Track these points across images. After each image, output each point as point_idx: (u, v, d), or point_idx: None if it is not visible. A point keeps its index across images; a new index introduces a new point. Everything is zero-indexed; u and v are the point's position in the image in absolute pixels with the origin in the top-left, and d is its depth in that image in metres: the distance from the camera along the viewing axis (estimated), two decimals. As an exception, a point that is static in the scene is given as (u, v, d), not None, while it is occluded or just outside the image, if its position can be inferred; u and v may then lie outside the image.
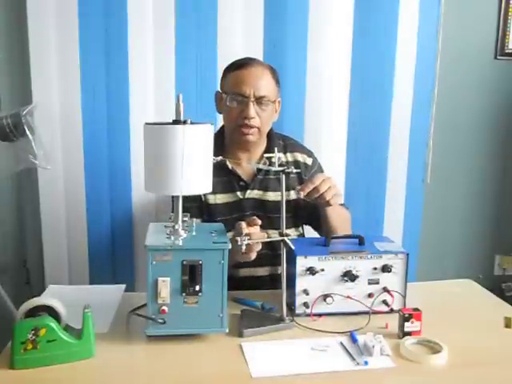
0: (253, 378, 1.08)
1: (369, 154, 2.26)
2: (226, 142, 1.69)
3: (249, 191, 1.64)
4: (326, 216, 1.59)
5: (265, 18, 2.09)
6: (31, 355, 1.09)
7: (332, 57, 2.15)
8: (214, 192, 1.55)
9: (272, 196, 1.64)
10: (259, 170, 1.61)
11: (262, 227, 1.62)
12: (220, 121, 1.99)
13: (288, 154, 1.72)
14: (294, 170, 1.36)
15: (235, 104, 1.58)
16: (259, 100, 1.57)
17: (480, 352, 1.20)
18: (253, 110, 1.56)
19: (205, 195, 1.60)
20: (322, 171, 1.76)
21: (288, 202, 1.54)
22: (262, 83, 1.58)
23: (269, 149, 1.66)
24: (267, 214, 1.62)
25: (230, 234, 1.38)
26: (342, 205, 1.76)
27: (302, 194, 1.44)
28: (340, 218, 1.59)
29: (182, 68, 2.07)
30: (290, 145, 1.75)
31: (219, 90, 1.68)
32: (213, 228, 1.30)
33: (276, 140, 1.72)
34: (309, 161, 1.74)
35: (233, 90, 1.59)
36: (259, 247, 1.35)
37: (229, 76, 1.62)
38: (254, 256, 1.35)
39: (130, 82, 2.05)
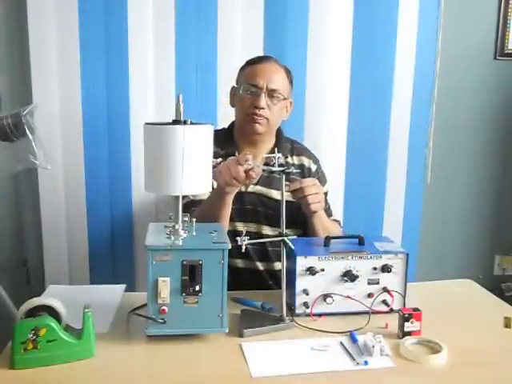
0: (253, 377, 1.08)
1: (368, 154, 2.26)
2: (235, 137, 1.72)
3: (251, 186, 1.65)
4: (310, 223, 1.62)
5: (265, 18, 2.09)
6: (31, 355, 1.09)
7: (332, 56, 2.16)
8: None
9: (275, 194, 1.65)
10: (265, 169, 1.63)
11: (261, 223, 1.65)
12: (220, 120, 2.00)
13: (294, 157, 1.75)
14: (294, 171, 1.37)
15: (248, 94, 1.64)
16: (271, 93, 1.62)
17: (480, 352, 1.20)
18: (264, 100, 1.61)
19: None
20: (325, 180, 1.78)
21: (291, 202, 1.55)
22: (276, 78, 1.64)
23: (276, 148, 1.67)
24: (268, 211, 1.65)
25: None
26: (335, 220, 1.79)
27: (288, 189, 1.48)
28: (324, 231, 1.60)
29: (182, 68, 2.07)
30: (297, 148, 1.78)
31: (235, 85, 1.72)
32: (213, 228, 1.30)
33: (284, 141, 1.75)
34: (313, 167, 1.76)
35: (247, 81, 1.65)
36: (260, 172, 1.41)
37: (245, 70, 1.69)
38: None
39: (130, 83, 2.05)
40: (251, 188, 1.66)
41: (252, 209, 1.65)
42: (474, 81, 2.42)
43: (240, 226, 1.63)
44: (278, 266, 1.66)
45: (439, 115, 2.33)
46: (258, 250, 1.67)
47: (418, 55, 2.20)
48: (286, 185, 1.46)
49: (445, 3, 2.21)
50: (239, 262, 1.66)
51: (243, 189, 1.66)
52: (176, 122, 1.16)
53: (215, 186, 1.56)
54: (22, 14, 1.96)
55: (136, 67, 2.04)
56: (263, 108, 1.61)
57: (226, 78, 1.99)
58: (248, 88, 1.63)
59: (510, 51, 2.41)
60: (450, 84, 2.34)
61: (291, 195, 1.54)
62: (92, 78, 2.03)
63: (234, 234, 1.42)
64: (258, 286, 1.61)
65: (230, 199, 1.50)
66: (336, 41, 2.15)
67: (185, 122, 1.16)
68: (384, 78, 2.21)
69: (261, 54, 2.05)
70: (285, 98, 1.66)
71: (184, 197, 1.41)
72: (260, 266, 1.69)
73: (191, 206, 1.57)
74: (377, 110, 2.23)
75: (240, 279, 1.58)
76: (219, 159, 1.31)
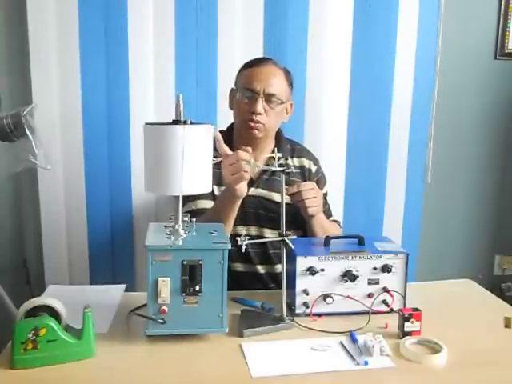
0: (253, 377, 1.08)
1: (368, 154, 2.26)
2: (235, 139, 1.70)
3: (252, 189, 1.65)
4: (309, 226, 1.62)
5: (265, 18, 2.09)
6: (31, 355, 1.09)
7: (332, 57, 2.15)
8: (218, 184, 1.56)
9: (276, 197, 1.64)
10: (265, 170, 1.63)
11: (262, 226, 1.64)
12: (220, 120, 1.99)
13: (295, 159, 1.74)
14: (294, 170, 1.37)
15: (245, 99, 1.61)
16: (268, 97, 1.60)
17: (480, 352, 1.20)
18: (261, 105, 1.59)
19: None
20: (325, 181, 1.78)
21: (291, 204, 1.55)
22: (274, 81, 1.61)
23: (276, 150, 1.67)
24: (269, 214, 1.64)
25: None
26: (335, 221, 1.79)
27: (286, 193, 1.48)
28: (323, 232, 1.60)
29: (182, 68, 2.07)
30: (297, 149, 1.77)
31: (233, 87, 1.71)
32: (213, 228, 1.30)
33: (284, 143, 1.74)
34: (313, 168, 1.76)
35: (244, 85, 1.62)
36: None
37: (243, 73, 1.66)
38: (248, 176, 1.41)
39: (130, 83, 2.05)
40: (252, 191, 1.65)
41: (253, 212, 1.64)
42: (474, 81, 2.42)
43: (241, 230, 1.62)
44: (279, 268, 1.65)
45: (439, 115, 2.33)
46: (260, 253, 1.67)
47: (418, 55, 2.20)
48: (285, 188, 1.46)
49: (445, 3, 2.21)
50: (240, 266, 1.66)
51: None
52: (176, 121, 1.16)
53: (219, 192, 1.56)
54: (22, 14, 1.96)
55: (136, 67, 2.04)
56: (260, 113, 1.59)
57: (226, 77, 1.99)
58: (245, 92, 1.61)
59: (510, 51, 2.41)
60: (450, 84, 2.34)
61: (290, 198, 1.54)
62: (92, 78, 2.03)
63: (235, 237, 1.42)
64: (258, 289, 1.61)
65: (237, 204, 1.49)
66: (336, 41, 2.15)
67: (185, 122, 1.16)
68: (384, 79, 2.21)
69: (260, 54, 2.05)
70: (283, 102, 1.63)
71: (183, 206, 1.41)
72: (261, 269, 1.68)
73: (192, 216, 1.55)
74: (377, 110, 2.23)
75: (241, 283, 1.57)
76: (220, 159, 1.31)
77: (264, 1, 2.08)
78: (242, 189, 1.45)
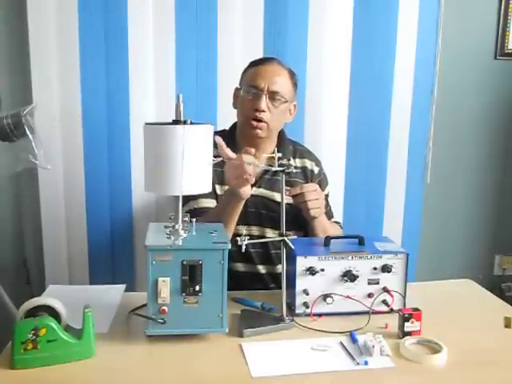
0: (253, 377, 1.08)
1: (368, 154, 2.26)
2: (237, 138, 1.70)
3: (254, 188, 1.64)
4: (311, 227, 1.62)
5: (265, 18, 2.09)
6: (31, 355, 1.09)
7: (332, 56, 2.15)
8: (220, 183, 1.56)
9: (278, 197, 1.63)
10: (266, 169, 1.63)
11: (264, 226, 1.64)
12: (220, 120, 1.99)
13: (297, 160, 1.74)
14: (294, 170, 1.37)
15: (249, 96, 1.61)
16: (272, 95, 1.60)
17: (480, 352, 1.20)
18: (264, 103, 1.59)
19: (213, 184, 1.56)
20: (326, 182, 1.78)
21: (293, 205, 1.55)
22: (278, 79, 1.61)
23: (278, 150, 1.67)
24: (270, 214, 1.64)
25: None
26: (336, 222, 1.79)
27: (288, 194, 1.48)
28: (323, 233, 1.59)
29: (182, 68, 2.07)
30: (300, 150, 1.77)
31: (238, 86, 1.70)
32: (213, 228, 1.30)
33: (286, 143, 1.74)
34: (316, 169, 1.76)
35: (249, 82, 1.63)
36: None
37: (248, 71, 1.67)
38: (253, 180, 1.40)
39: (130, 83, 2.05)
40: (254, 191, 1.64)
41: (255, 212, 1.64)
42: (474, 81, 2.42)
43: (243, 230, 1.60)
44: (280, 268, 1.64)
45: (439, 115, 2.33)
46: (261, 253, 1.66)
47: (418, 55, 2.20)
48: (287, 189, 1.46)
49: (445, 3, 2.21)
50: (241, 266, 1.65)
51: None
52: (176, 121, 1.16)
53: (222, 191, 1.56)
54: (22, 15, 1.96)
55: (136, 67, 2.04)
56: (264, 111, 1.59)
57: (226, 77, 2.00)
58: (249, 90, 1.61)
59: (510, 51, 2.41)
60: (450, 84, 2.34)
61: (293, 200, 1.53)
62: (92, 78, 2.03)
63: (236, 237, 1.42)
64: (259, 289, 1.61)
65: (241, 204, 1.48)
66: (336, 41, 2.15)
67: (185, 122, 1.16)
68: (384, 78, 2.21)
69: (261, 53, 2.05)
70: (287, 101, 1.63)
71: (185, 205, 1.41)
72: (262, 269, 1.68)
73: (194, 215, 1.54)
74: (377, 111, 2.23)
75: (241, 283, 1.57)
76: (220, 158, 1.31)
77: (264, 1, 2.07)
78: (247, 190, 1.44)
